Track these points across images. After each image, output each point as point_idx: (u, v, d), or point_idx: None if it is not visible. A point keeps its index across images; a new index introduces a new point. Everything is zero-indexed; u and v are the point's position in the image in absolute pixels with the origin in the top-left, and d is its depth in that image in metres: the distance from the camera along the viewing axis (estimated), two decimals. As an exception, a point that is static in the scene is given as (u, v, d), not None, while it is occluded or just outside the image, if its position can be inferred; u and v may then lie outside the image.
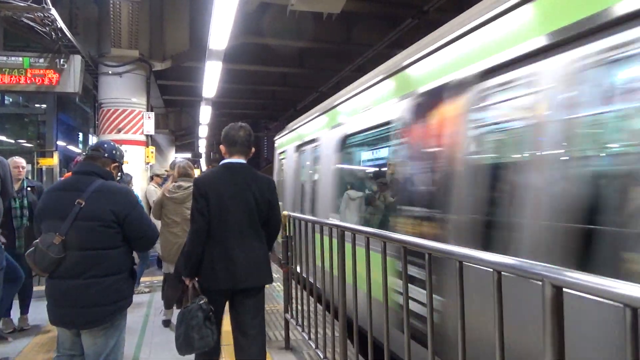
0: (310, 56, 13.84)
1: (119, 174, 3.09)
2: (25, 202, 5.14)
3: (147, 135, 10.92)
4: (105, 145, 2.97)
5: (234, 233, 3.05)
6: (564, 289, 1.29)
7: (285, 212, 4.51)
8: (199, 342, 2.95)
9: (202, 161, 43.66)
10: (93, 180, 2.71)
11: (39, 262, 2.58)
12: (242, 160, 3.20)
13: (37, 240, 2.62)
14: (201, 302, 2.99)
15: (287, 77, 17.06)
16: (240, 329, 3.17)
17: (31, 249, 2.62)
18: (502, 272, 1.55)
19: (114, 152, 2.96)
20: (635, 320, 1.10)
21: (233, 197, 3.08)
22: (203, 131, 22.89)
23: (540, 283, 1.33)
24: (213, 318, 3.02)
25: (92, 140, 12.76)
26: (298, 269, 4.36)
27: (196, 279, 3.09)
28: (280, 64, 14.36)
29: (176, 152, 24.97)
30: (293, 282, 4.42)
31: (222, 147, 3.24)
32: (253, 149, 3.28)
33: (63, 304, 2.63)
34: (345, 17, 10.57)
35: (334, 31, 11.25)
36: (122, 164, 3.07)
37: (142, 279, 7.34)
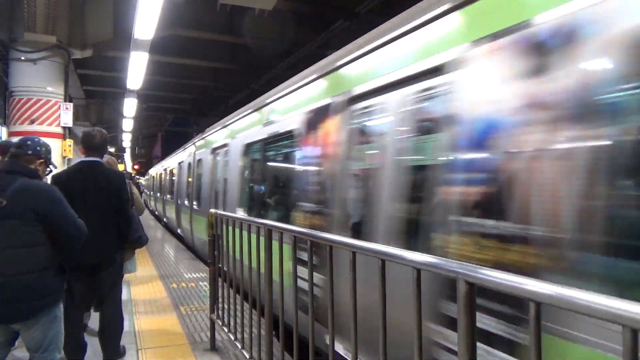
0: (241, 52, 13.66)
1: (48, 169, 3.17)
2: None
3: (64, 128, 10.23)
4: (29, 142, 2.94)
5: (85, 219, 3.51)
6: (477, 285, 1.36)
7: (212, 210, 4.42)
8: None
9: (127, 156, 41.73)
10: (16, 179, 2.71)
11: None
12: (97, 159, 3.78)
13: None
14: None
15: (218, 72, 16.71)
16: (99, 300, 3.84)
17: None
18: (422, 270, 1.61)
19: (38, 148, 2.95)
20: (538, 313, 1.18)
21: (85, 190, 3.58)
22: (127, 124, 21.87)
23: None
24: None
25: (1, 131, 11.78)
26: (225, 268, 4.28)
27: None
28: (211, 58, 14.04)
29: (98, 146, 23.61)
30: (220, 282, 4.33)
31: (80, 148, 3.82)
32: (108, 148, 4.08)
33: None
34: (277, 15, 10.53)
35: (266, 28, 11.17)
36: (50, 159, 3.08)
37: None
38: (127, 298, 6.15)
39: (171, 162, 17.56)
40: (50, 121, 9.86)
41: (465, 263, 1.44)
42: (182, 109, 24.62)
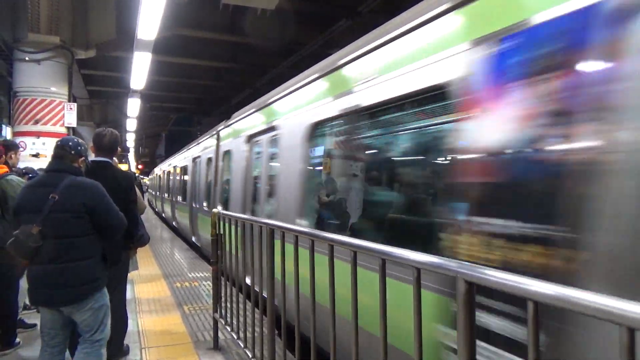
0: (244, 52, 13.66)
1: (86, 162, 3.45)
2: None
3: (68, 128, 10.27)
4: (70, 144, 3.20)
5: None
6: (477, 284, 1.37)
7: (215, 210, 4.43)
8: None
9: (131, 156, 41.82)
10: (64, 177, 3.03)
11: (19, 250, 2.89)
12: (106, 159, 3.92)
13: (17, 231, 2.90)
14: None
15: (221, 71, 16.74)
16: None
17: (12, 239, 2.90)
18: (422, 269, 1.61)
19: (79, 148, 3.22)
20: (536, 312, 1.19)
21: None
22: (131, 124, 21.93)
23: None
24: None
25: (6, 131, 11.82)
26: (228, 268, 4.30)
27: None
28: (213, 58, 14.06)
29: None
30: (222, 281, 4.35)
31: (91, 147, 3.99)
32: (119, 149, 4.17)
33: (42, 285, 2.95)
34: (280, 14, 10.53)
35: (268, 27, 11.17)
36: (87, 156, 3.40)
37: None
38: (131, 297, 6.18)
39: (162, 169, 21.98)
40: (55, 121, 9.90)
41: (464, 263, 1.45)
42: (185, 109, 24.68)
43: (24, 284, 4.94)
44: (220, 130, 9.08)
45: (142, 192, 16.76)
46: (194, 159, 12.33)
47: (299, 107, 4.89)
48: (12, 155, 4.66)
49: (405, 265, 1.69)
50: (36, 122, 9.69)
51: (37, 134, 9.68)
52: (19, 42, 9.48)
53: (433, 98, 2.93)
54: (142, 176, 44.45)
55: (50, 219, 2.91)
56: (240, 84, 17.29)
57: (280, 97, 5.60)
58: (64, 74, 10.21)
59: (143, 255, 8.73)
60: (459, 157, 2.56)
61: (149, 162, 50.42)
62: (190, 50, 13.37)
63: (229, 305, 4.11)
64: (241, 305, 3.75)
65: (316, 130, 4.48)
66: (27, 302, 5.25)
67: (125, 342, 4.14)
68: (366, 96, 3.54)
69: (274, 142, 5.58)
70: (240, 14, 10.99)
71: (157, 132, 39.30)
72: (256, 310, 3.44)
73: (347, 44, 4.33)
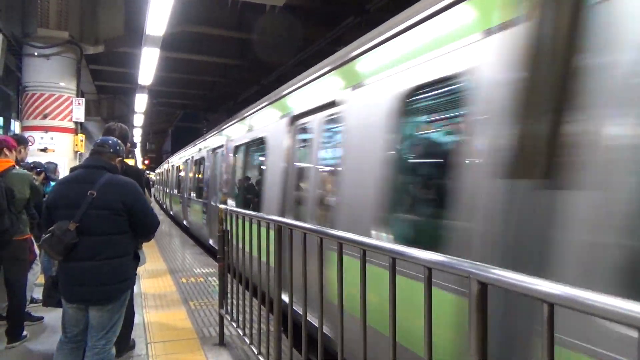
0: (251, 48, 13.65)
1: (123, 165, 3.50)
2: None
3: (76, 123, 10.31)
4: (110, 142, 3.27)
5: None
6: (489, 285, 1.35)
7: (221, 206, 4.44)
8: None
9: (137, 151, 41.99)
10: (102, 174, 3.03)
11: (54, 246, 2.83)
12: None
13: (53, 227, 2.85)
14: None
15: (228, 68, 16.73)
16: None
17: (47, 235, 2.85)
18: (432, 269, 1.60)
19: (117, 147, 3.29)
20: (551, 314, 1.17)
21: None
22: (138, 120, 22.00)
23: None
24: None
25: (15, 125, 11.89)
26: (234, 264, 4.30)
27: None
28: (221, 54, 14.06)
29: (109, 141, 23.81)
30: (229, 277, 4.35)
31: None
32: (128, 144, 4.10)
33: (79, 283, 2.91)
34: (288, 11, 10.51)
35: (276, 24, 11.15)
36: (124, 157, 3.43)
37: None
38: (137, 292, 6.20)
39: (162, 168, 23.94)
40: (63, 116, 9.95)
41: (477, 263, 1.43)
42: (192, 105, 24.72)
43: (31, 277, 4.99)
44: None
45: (150, 189, 16.89)
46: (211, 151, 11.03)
47: None
48: (22, 150, 4.70)
49: (416, 264, 1.68)
50: (44, 117, 9.73)
51: (46, 129, 9.73)
52: (28, 37, 9.52)
53: None
54: (148, 171, 44.63)
55: (87, 216, 2.87)
56: (247, 81, 17.28)
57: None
58: (73, 69, 10.25)
59: (149, 251, 8.76)
60: None
61: (155, 157, 50.59)
62: (198, 47, 13.38)
63: (235, 301, 4.11)
64: (247, 302, 3.75)
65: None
66: (34, 295, 5.29)
67: (131, 336, 4.15)
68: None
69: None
70: (248, 11, 10.98)
71: (164, 128, 39.44)
72: (262, 307, 3.43)
73: (354, 40, 4.30)
